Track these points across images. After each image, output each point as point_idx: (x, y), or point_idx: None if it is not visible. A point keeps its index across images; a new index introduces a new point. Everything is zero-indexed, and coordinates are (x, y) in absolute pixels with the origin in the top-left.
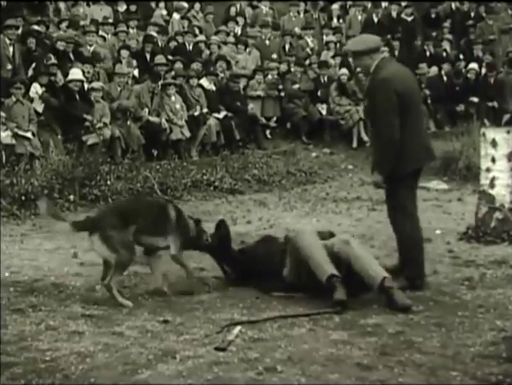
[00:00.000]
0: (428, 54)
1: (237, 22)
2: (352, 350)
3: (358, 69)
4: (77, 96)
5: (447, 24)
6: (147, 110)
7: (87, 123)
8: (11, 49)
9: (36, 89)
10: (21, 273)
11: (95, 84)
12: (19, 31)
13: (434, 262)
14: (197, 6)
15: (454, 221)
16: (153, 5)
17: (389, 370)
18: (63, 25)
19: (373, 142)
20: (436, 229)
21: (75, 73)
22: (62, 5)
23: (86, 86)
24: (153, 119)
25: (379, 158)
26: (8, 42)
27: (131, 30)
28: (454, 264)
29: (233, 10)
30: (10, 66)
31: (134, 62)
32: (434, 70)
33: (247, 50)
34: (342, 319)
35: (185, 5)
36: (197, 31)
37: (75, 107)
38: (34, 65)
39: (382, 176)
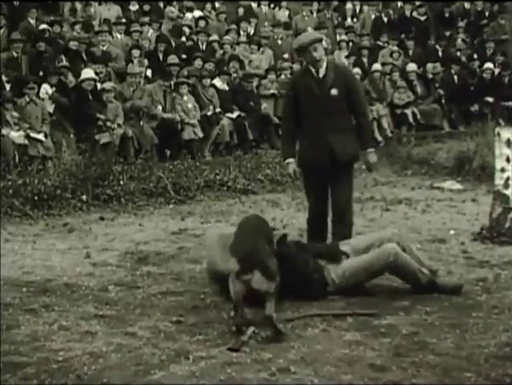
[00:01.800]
0: (440, 53)
1: (249, 22)
2: (366, 351)
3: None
4: (90, 96)
5: (461, 24)
6: (160, 107)
7: (99, 123)
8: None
9: (46, 90)
10: (33, 274)
11: (106, 85)
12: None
13: (448, 263)
14: (209, 5)
15: (468, 222)
16: (161, 5)
17: (403, 371)
18: (77, 26)
19: (346, 124)
20: (450, 230)
21: (88, 72)
22: (78, 5)
23: (98, 86)
24: (167, 115)
25: (371, 134)
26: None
27: (145, 29)
28: (468, 264)
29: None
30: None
31: (145, 62)
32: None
33: (260, 49)
34: (355, 320)
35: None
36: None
37: (88, 107)
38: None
39: None
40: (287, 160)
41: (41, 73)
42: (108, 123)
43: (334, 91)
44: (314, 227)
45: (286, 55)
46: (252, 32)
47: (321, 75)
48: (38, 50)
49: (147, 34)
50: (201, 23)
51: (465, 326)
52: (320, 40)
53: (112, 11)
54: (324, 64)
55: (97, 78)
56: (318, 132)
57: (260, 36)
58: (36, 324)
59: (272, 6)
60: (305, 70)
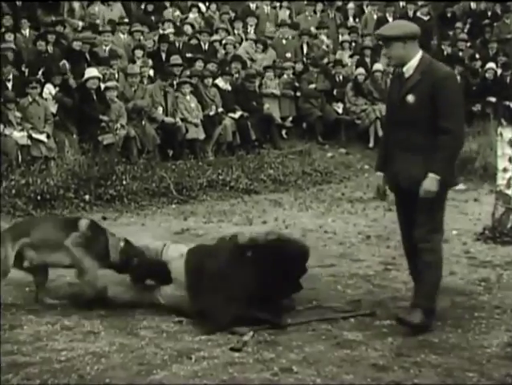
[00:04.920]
0: (445, 53)
1: (244, 21)
2: (368, 351)
3: (391, 61)
4: (94, 96)
5: (459, 24)
6: (161, 109)
7: (103, 124)
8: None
9: (49, 90)
10: None
11: (110, 83)
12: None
13: (451, 263)
14: (214, 6)
15: (471, 222)
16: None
17: (405, 371)
18: (80, 25)
19: (430, 142)
20: (453, 230)
21: (92, 71)
22: (76, 4)
23: (102, 86)
24: (168, 119)
25: (445, 158)
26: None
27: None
28: (471, 264)
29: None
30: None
31: (150, 62)
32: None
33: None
34: (357, 320)
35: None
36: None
37: (92, 108)
38: (43, 68)
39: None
40: (376, 173)
41: (40, 72)
42: (111, 124)
43: (410, 98)
44: (408, 260)
45: (288, 54)
46: (252, 32)
47: (406, 76)
48: (38, 49)
49: (151, 34)
50: (198, 21)
51: (468, 326)
52: (397, 38)
53: (115, 11)
54: (413, 63)
55: (101, 76)
56: (392, 148)
57: (265, 36)
58: (39, 324)
59: (274, 5)
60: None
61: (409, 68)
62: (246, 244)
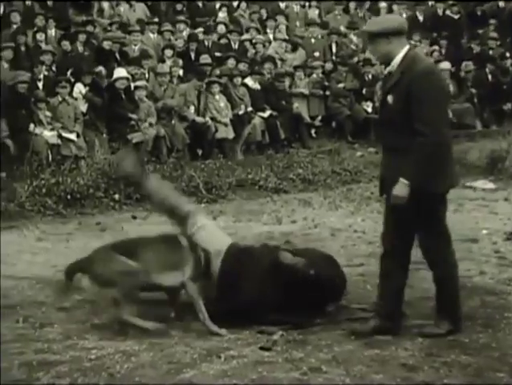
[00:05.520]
0: (474, 52)
1: (275, 21)
2: (398, 351)
3: (377, 58)
4: (123, 95)
5: (492, 21)
6: (193, 108)
7: (132, 122)
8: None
9: (79, 89)
10: None
11: (139, 82)
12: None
13: (480, 262)
14: (244, 4)
15: (501, 221)
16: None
17: (435, 371)
18: (113, 26)
19: (408, 146)
20: (483, 229)
21: (121, 72)
22: (105, 4)
23: (132, 85)
24: (199, 119)
25: (422, 164)
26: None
27: (181, 27)
28: (501, 264)
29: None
30: None
31: (180, 62)
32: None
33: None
34: None
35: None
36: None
37: (121, 107)
38: (72, 68)
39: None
40: None
41: (69, 71)
42: (140, 123)
43: (389, 99)
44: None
45: (316, 53)
46: (281, 31)
47: (392, 75)
48: (62, 49)
49: (181, 33)
50: (226, 20)
51: (498, 325)
52: (379, 34)
53: (138, 12)
54: (397, 60)
55: (130, 76)
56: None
57: (294, 35)
58: (69, 322)
59: (303, 5)
60: None
61: (394, 66)
62: (284, 265)
